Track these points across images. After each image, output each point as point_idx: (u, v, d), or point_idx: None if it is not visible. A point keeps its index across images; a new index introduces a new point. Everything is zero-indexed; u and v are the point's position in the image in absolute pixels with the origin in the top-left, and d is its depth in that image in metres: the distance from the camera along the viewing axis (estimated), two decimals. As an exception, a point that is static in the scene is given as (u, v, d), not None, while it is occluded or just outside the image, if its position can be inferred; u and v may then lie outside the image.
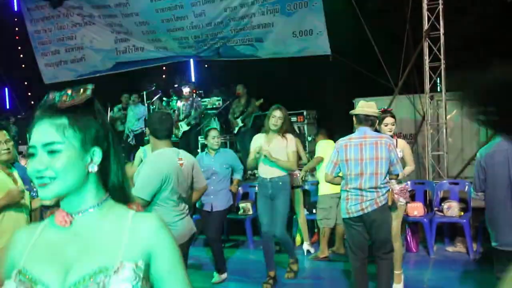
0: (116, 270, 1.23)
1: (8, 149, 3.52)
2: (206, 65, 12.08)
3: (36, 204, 3.88)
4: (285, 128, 5.24)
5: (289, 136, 5.26)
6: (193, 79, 12.07)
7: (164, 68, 11.83)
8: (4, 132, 3.53)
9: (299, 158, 6.28)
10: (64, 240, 1.31)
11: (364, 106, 4.33)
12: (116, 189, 1.37)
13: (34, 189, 5.24)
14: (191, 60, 11.65)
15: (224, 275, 5.65)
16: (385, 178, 4.16)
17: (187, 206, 3.69)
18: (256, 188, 7.28)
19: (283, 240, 5.37)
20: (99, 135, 1.33)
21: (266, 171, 5.20)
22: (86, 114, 1.31)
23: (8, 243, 1.40)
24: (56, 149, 1.26)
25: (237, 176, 5.94)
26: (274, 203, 5.18)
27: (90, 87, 1.31)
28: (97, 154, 1.32)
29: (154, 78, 11.38)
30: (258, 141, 5.26)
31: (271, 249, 5.29)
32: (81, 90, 1.30)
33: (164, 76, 12.51)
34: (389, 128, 4.80)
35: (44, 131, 1.27)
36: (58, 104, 1.28)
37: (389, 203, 4.24)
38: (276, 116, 5.15)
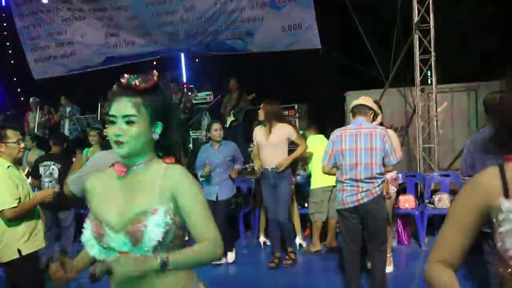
0: (153, 212, 1.65)
1: (23, 147, 3.81)
2: (197, 60, 12.02)
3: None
4: (274, 119, 5.54)
5: (282, 127, 5.54)
6: (184, 74, 12.02)
7: (154, 63, 11.74)
8: (18, 132, 3.78)
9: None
10: (120, 187, 1.77)
11: (360, 99, 4.39)
12: (167, 148, 1.81)
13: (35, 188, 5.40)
14: (182, 55, 11.60)
15: (225, 259, 5.92)
16: (380, 168, 4.17)
17: None
18: (254, 182, 7.30)
19: (285, 226, 5.64)
20: (163, 112, 1.77)
21: (267, 161, 5.56)
22: (154, 95, 1.75)
23: None
24: (132, 120, 1.70)
25: (238, 166, 6.12)
26: (276, 191, 5.56)
27: (156, 74, 1.76)
28: (159, 127, 1.77)
29: (144, 73, 11.30)
30: (256, 134, 5.71)
31: (277, 233, 5.70)
32: (150, 76, 1.74)
33: (154, 71, 12.43)
34: None
35: (124, 106, 1.71)
36: (134, 86, 1.72)
37: (384, 194, 4.27)
38: (260, 110, 5.67)
